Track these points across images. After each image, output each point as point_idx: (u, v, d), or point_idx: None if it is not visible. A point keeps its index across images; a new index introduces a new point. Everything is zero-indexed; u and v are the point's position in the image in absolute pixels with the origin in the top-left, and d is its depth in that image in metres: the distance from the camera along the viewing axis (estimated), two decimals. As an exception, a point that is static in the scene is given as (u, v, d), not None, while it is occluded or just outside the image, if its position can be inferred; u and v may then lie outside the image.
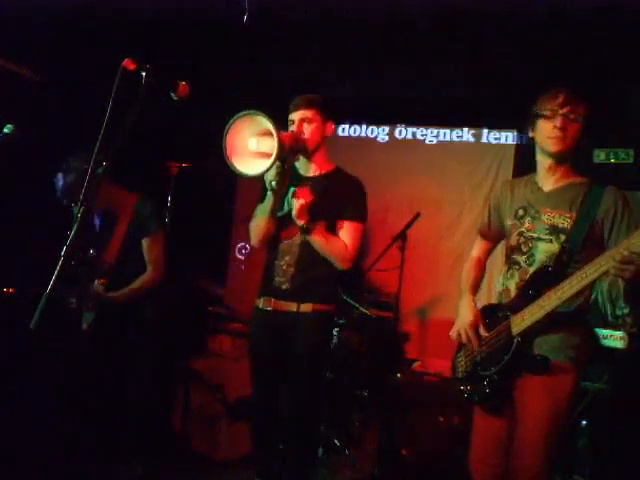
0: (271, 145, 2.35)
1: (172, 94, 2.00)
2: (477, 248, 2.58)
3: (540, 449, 2.10)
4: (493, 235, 2.50)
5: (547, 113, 2.19)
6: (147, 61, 1.91)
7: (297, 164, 2.78)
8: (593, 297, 2.23)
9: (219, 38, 4.04)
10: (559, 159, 2.22)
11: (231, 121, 2.42)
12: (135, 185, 3.27)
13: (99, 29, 3.70)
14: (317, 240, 2.60)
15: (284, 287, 2.67)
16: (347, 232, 2.66)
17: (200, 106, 3.37)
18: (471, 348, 2.33)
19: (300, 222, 2.56)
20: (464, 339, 2.34)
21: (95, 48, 3.80)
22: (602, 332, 3.46)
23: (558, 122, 2.16)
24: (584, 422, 3.36)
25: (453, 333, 2.38)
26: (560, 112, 2.16)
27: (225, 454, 3.68)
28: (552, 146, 2.19)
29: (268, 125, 2.34)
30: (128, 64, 1.88)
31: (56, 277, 1.65)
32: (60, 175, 3.07)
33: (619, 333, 3.44)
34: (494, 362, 2.20)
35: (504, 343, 2.18)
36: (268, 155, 2.37)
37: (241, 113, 2.41)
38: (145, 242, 3.11)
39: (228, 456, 3.66)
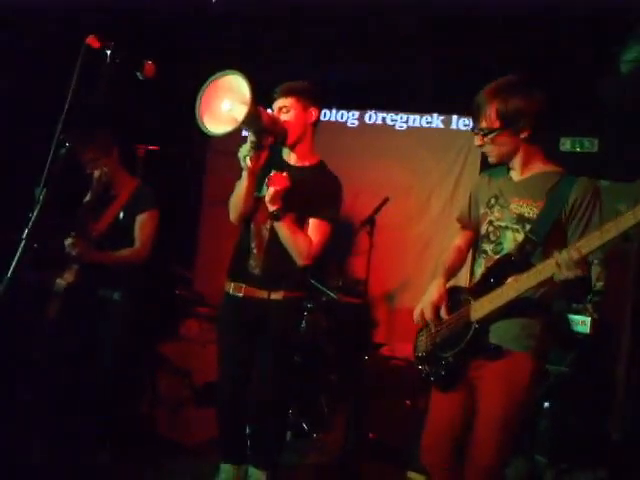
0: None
1: (138, 74, 1.96)
2: (458, 237, 2.53)
3: (494, 438, 2.07)
4: (474, 225, 2.42)
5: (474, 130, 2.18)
6: (114, 41, 1.87)
7: (283, 149, 2.73)
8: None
9: (188, 21, 3.98)
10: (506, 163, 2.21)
11: (213, 77, 2.30)
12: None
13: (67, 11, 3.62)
14: (284, 229, 2.56)
15: (255, 272, 2.65)
16: (315, 230, 2.63)
17: (168, 87, 3.33)
18: (430, 327, 2.30)
19: (271, 208, 2.52)
20: (418, 317, 2.31)
21: (61, 28, 3.71)
22: (572, 317, 3.59)
23: (476, 140, 2.17)
24: (546, 404, 3.44)
25: (415, 311, 2.34)
26: (476, 129, 2.16)
27: (193, 439, 3.67)
28: (490, 159, 2.22)
29: (246, 91, 2.22)
30: (92, 42, 1.83)
31: (17, 260, 1.62)
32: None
33: (583, 318, 3.58)
34: (452, 345, 2.18)
35: (463, 328, 2.16)
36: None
37: (227, 71, 2.28)
38: (139, 218, 3.19)
39: (196, 441, 3.65)
